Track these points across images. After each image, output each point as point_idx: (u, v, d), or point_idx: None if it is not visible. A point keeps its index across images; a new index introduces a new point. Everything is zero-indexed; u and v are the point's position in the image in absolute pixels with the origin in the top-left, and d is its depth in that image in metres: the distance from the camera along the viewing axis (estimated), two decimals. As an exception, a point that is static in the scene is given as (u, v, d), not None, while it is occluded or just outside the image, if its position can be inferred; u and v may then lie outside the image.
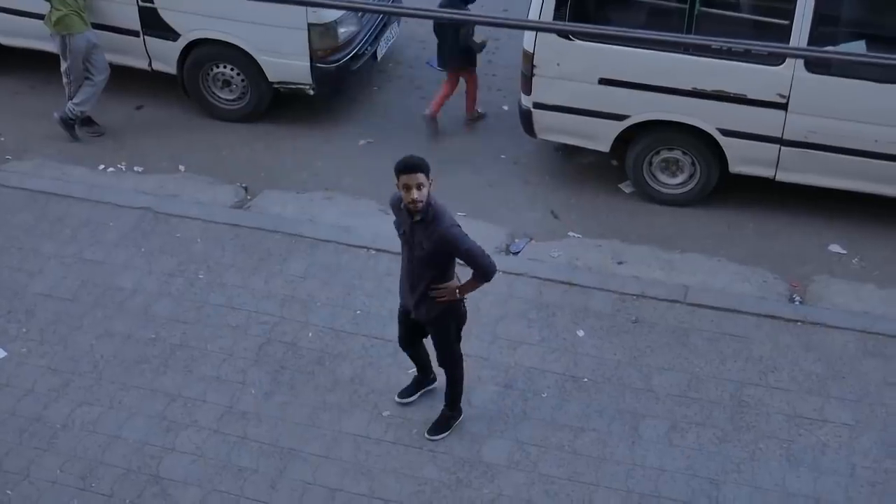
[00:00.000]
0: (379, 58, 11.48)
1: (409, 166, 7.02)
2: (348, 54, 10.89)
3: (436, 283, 7.37)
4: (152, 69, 11.30)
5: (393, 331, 8.12)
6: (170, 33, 10.90)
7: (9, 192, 10.28)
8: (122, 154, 10.90)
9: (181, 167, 10.74)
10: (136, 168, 10.72)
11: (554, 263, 9.53)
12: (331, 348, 8.70)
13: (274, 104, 11.30)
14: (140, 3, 10.82)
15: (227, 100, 11.26)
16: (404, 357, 8.18)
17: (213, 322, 8.95)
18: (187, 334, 8.85)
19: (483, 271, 7.31)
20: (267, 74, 10.92)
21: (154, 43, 11.03)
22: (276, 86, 11.03)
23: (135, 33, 11.02)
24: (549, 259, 9.59)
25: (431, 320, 7.59)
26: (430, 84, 11.89)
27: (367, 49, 11.16)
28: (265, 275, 9.36)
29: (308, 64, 10.72)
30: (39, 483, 7.79)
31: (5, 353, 8.71)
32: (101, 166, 10.74)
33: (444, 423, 8.07)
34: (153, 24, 10.90)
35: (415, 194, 7.00)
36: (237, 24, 10.63)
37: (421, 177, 7.00)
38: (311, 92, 10.96)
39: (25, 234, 9.79)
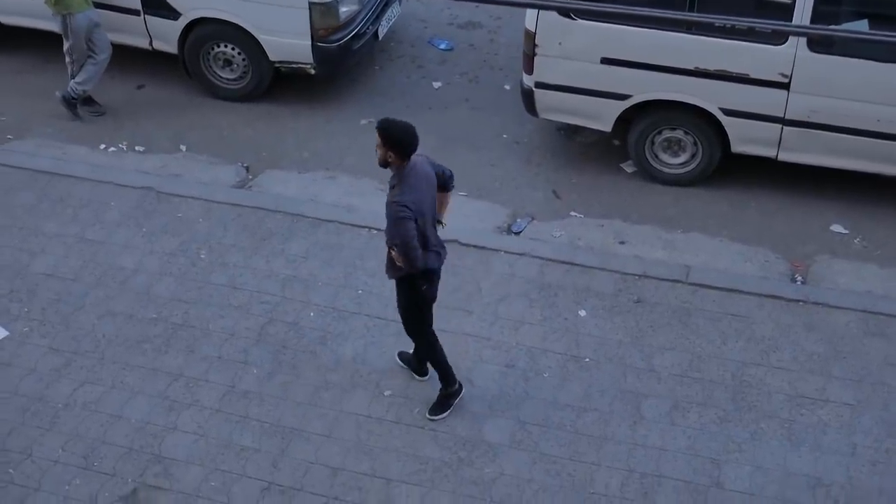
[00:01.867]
0: (380, 37, 11.44)
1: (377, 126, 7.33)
2: (349, 33, 10.86)
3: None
4: (153, 48, 11.27)
5: (394, 310, 8.11)
6: (170, 12, 10.87)
7: (10, 171, 10.27)
8: (124, 134, 10.89)
9: (182, 147, 10.72)
10: (137, 148, 10.71)
11: (555, 243, 9.52)
12: (332, 328, 8.70)
13: (275, 84, 11.27)
14: (140, -17, 10.81)
15: (228, 79, 11.24)
16: (407, 338, 8.17)
17: (215, 302, 8.95)
18: (189, 314, 8.86)
19: (402, 251, 7.39)
20: (268, 54, 10.90)
21: (155, 22, 11.00)
22: (277, 65, 11.01)
23: (135, 12, 10.99)
24: (551, 239, 9.59)
25: (395, 281, 7.86)
26: (432, 63, 11.88)
27: (368, 28, 11.12)
28: (267, 254, 9.36)
29: (309, 43, 10.68)
30: (42, 462, 7.81)
31: (7, 333, 8.72)
32: (103, 146, 10.72)
33: (443, 402, 8.10)
34: (154, 3, 10.86)
35: (377, 151, 7.36)
36: (238, 2, 10.59)
37: (377, 138, 7.29)
38: (313, 71, 10.93)
39: (27, 214, 9.79)
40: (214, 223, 9.70)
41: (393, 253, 7.54)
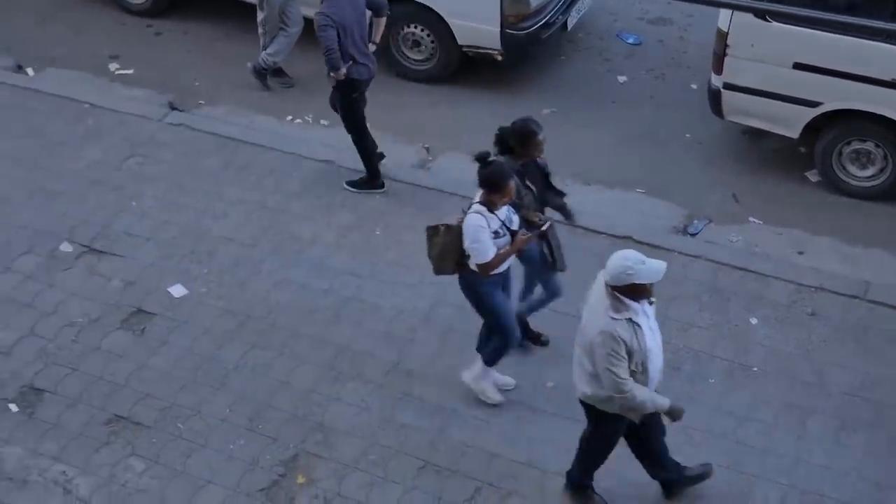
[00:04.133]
0: (569, 27, 11.41)
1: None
2: (539, 22, 10.86)
3: None
4: (345, 25, 11.44)
5: (572, 305, 8.08)
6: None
7: (199, 135, 10.58)
8: (310, 107, 11.09)
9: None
10: (322, 121, 10.91)
11: (732, 248, 9.37)
12: (499, 314, 8.72)
13: (461, 67, 11.33)
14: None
15: (415, 60, 11.35)
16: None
17: (386, 278, 9.07)
18: (361, 288, 9.00)
19: (325, 54, 9.07)
20: (457, 37, 10.97)
21: None
22: (464, 49, 11.07)
23: (331, -12, 11.16)
24: (727, 243, 9.43)
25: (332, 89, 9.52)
26: (619, 57, 11.79)
27: (557, 18, 11.10)
28: (440, 236, 9.42)
29: (498, 29, 10.72)
30: (210, 419, 8.05)
31: (186, 292, 8.99)
32: (289, 117, 10.96)
33: (362, 184, 9.81)
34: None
35: None
36: (431, -16, 10.70)
37: None
38: (500, 58, 10.96)
39: (212, 178, 10.07)
40: (391, 201, 9.83)
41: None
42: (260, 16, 11.03)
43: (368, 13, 9.57)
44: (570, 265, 8.04)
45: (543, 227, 7.75)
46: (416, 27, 11.11)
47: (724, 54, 9.72)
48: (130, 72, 11.57)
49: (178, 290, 8.99)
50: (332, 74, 9.26)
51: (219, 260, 9.28)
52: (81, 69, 11.59)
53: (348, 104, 9.51)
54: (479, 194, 7.44)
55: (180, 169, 10.16)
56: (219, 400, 8.18)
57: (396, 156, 10.39)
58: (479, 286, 7.65)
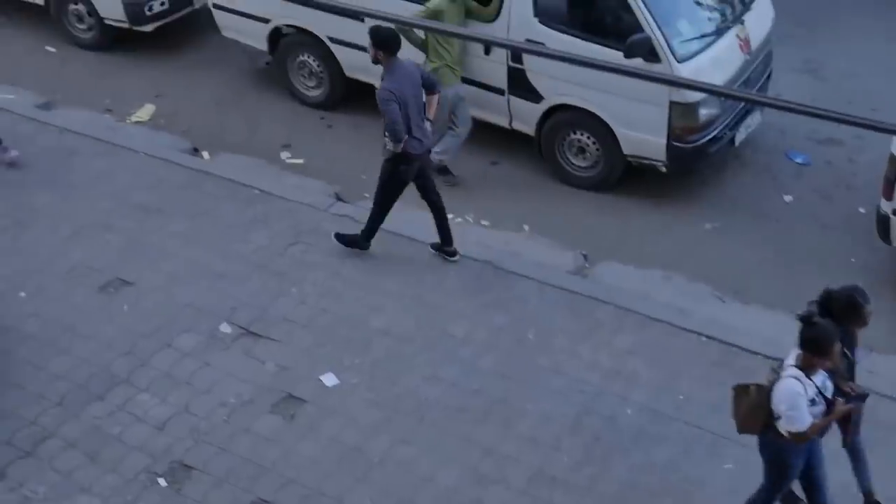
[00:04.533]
0: (737, 143, 11.34)
1: None
2: (706, 136, 10.82)
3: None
4: (511, 128, 11.60)
5: (714, 423, 7.95)
6: (534, 95, 11.16)
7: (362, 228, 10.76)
8: (471, 206, 11.22)
9: (525, 226, 10.94)
10: (483, 222, 11.02)
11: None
12: (648, 429, 8.62)
13: (624, 175, 11.34)
14: (510, 64, 11.14)
15: (579, 166, 11.40)
16: (723, 451, 7.97)
17: (536, 383, 9.05)
18: (509, 391, 8.99)
19: (388, 128, 9.53)
20: (622, 146, 11.00)
21: (517, 103, 11.33)
22: (629, 158, 11.09)
23: (500, 92, 11.36)
24: (887, 372, 9.14)
25: (383, 161, 9.94)
26: (786, 175, 11.65)
27: (725, 133, 11.06)
28: (593, 344, 9.39)
29: (665, 141, 10.72)
30: (351, 511, 8.09)
31: (338, 381, 9.11)
32: (451, 216, 11.05)
33: (351, 242, 10.32)
34: (519, 85, 11.19)
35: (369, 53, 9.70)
36: (600, 93, 10.75)
37: (369, 42, 9.61)
38: (664, 169, 10.95)
39: (373, 270, 10.21)
40: (546, 305, 9.83)
41: (385, 137, 9.60)
42: (430, 115, 11.27)
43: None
44: (724, 384, 7.89)
45: (864, 397, 7.36)
46: (582, 134, 11.18)
47: (896, 180, 9.55)
48: (301, 161, 11.90)
49: (329, 379, 9.12)
50: (389, 147, 9.68)
51: (372, 352, 9.38)
52: (254, 155, 11.96)
53: (393, 176, 9.91)
54: (793, 355, 7.04)
55: (341, 259, 10.35)
56: (361, 491, 8.22)
57: (553, 260, 10.41)
58: (786, 453, 7.27)
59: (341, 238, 10.39)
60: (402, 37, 9.81)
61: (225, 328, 9.62)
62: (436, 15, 10.80)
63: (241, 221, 10.77)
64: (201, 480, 8.35)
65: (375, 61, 9.70)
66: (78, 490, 8.30)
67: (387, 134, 9.63)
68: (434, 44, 11.01)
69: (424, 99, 9.89)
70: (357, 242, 10.36)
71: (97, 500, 8.22)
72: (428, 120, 9.93)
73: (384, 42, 9.56)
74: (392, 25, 9.44)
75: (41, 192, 11.15)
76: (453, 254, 10.33)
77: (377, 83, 11.92)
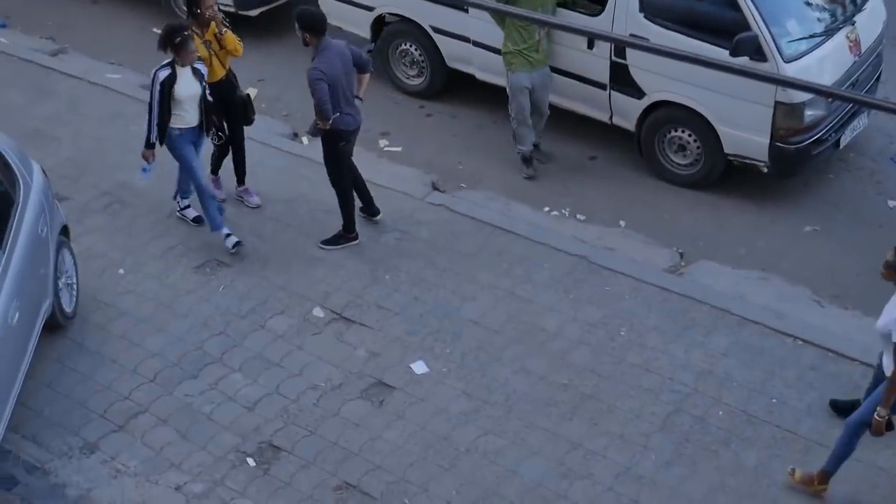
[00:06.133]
0: (841, 146, 11.12)
1: None
2: (810, 137, 10.62)
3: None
4: (612, 123, 11.51)
5: (807, 428, 7.82)
6: (636, 91, 11.06)
7: (458, 217, 10.77)
8: (568, 200, 11.16)
9: (622, 222, 10.85)
10: (578, 216, 10.95)
11: None
12: (739, 431, 8.51)
13: (725, 174, 11.18)
14: (613, 59, 11.04)
15: (679, 164, 11.28)
16: (815, 457, 7.83)
17: (626, 380, 8.98)
18: (599, 387, 8.93)
19: (316, 107, 9.75)
20: (723, 145, 10.85)
21: (619, 98, 11.23)
22: (730, 157, 10.94)
23: (602, 86, 11.27)
24: None
25: (320, 140, 10.21)
26: (891, 180, 11.41)
27: (830, 135, 10.84)
28: (686, 344, 9.29)
29: (767, 141, 10.55)
30: (435, 499, 8.11)
31: (427, 370, 9.12)
32: (546, 208, 11.03)
33: (337, 239, 10.38)
34: (622, 80, 11.09)
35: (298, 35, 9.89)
36: (703, 91, 10.61)
37: (296, 25, 9.79)
38: (765, 170, 10.79)
39: (466, 261, 10.22)
40: (639, 303, 9.74)
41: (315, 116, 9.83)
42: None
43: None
44: (818, 390, 7.78)
45: None
46: (683, 131, 11.06)
47: None
48: (398, 149, 11.92)
49: (419, 367, 9.14)
50: (318, 124, 9.89)
51: (463, 342, 9.38)
52: (352, 143, 12.03)
53: (334, 154, 10.13)
54: None
55: (436, 248, 10.36)
56: (446, 481, 8.23)
57: (649, 257, 10.32)
58: None
59: (327, 242, 10.43)
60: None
61: (318, 312, 9.68)
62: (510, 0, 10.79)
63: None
64: (289, 462, 8.43)
65: (305, 44, 9.86)
66: (168, 466, 8.43)
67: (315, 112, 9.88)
68: (510, 29, 11.00)
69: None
70: (344, 237, 10.43)
71: (186, 476, 8.34)
72: (358, 98, 10.12)
73: (309, 24, 9.78)
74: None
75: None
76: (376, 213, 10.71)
77: (478, 74, 12.07)
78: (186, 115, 9.95)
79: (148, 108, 9.89)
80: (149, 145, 9.98)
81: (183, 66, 9.76)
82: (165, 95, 9.74)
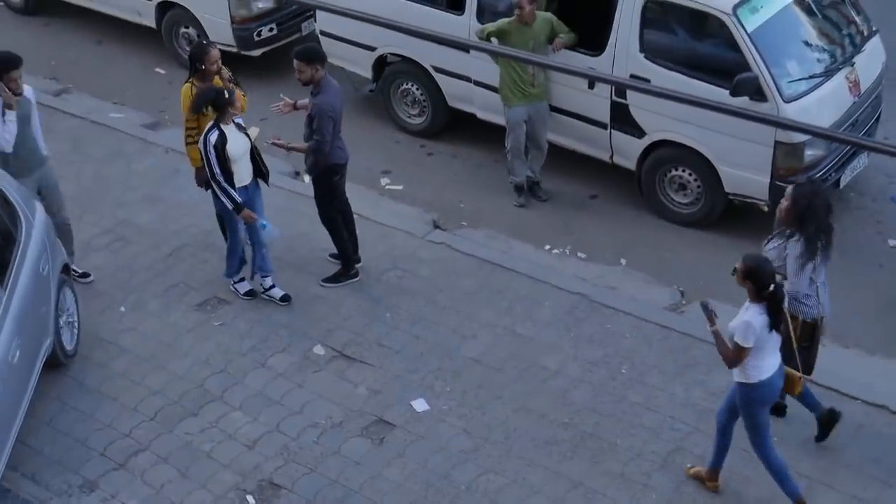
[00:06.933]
0: (841, 185, 11.15)
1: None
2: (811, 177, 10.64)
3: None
4: (612, 162, 11.55)
5: (808, 466, 7.80)
6: (636, 130, 11.11)
7: (458, 255, 10.79)
8: (569, 239, 11.18)
9: (623, 261, 10.87)
10: (579, 254, 10.97)
11: None
12: (739, 470, 8.48)
13: (724, 213, 11.20)
14: (613, 98, 11.11)
15: (679, 203, 11.31)
16: (817, 496, 7.81)
17: (627, 419, 8.97)
18: (600, 425, 8.92)
19: (318, 145, 9.69)
20: (724, 184, 10.89)
21: (619, 137, 11.28)
22: (730, 196, 10.97)
23: (603, 126, 11.32)
24: None
25: (312, 181, 10.23)
26: (891, 220, 11.42)
27: (830, 175, 10.87)
28: (687, 382, 9.28)
29: (768, 181, 10.59)
30: (436, 538, 8.07)
31: (427, 408, 9.11)
32: (547, 247, 11.05)
33: (337, 277, 10.33)
34: (622, 119, 11.15)
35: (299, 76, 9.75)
36: (704, 130, 10.66)
37: (296, 65, 9.61)
38: (766, 208, 10.81)
39: (467, 299, 10.23)
40: (640, 341, 9.74)
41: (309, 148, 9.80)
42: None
43: None
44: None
45: None
46: (683, 170, 11.09)
47: None
48: (400, 188, 11.96)
49: (420, 405, 9.13)
50: (310, 158, 9.84)
51: (463, 380, 9.37)
52: (354, 181, 12.01)
53: (328, 190, 10.09)
54: None
55: (437, 286, 10.37)
56: (447, 519, 8.21)
57: (649, 296, 10.32)
58: None
59: (328, 280, 10.41)
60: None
61: (319, 350, 9.68)
62: (498, 35, 10.85)
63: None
64: (289, 500, 8.41)
65: (305, 82, 9.72)
66: (168, 504, 8.41)
67: (313, 146, 9.79)
68: (504, 64, 11.11)
69: None
70: (344, 276, 10.41)
71: (186, 514, 8.32)
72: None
73: (315, 56, 9.77)
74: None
75: (145, 210, 11.37)
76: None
77: (479, 113, 12.12)
78: (238, 174, 9.69)
79: (211, 177, 9.58)
80: (238, 209, 9.69)
81: (227, 124, 9.54)
82: (221, 158, 9.47)
